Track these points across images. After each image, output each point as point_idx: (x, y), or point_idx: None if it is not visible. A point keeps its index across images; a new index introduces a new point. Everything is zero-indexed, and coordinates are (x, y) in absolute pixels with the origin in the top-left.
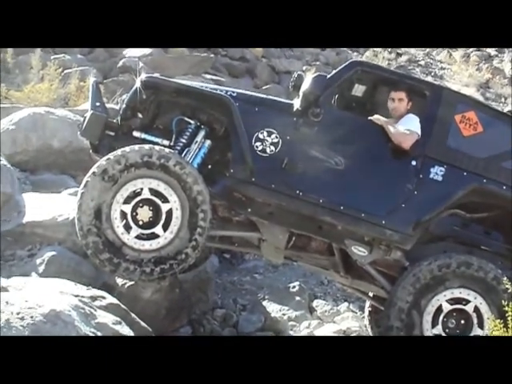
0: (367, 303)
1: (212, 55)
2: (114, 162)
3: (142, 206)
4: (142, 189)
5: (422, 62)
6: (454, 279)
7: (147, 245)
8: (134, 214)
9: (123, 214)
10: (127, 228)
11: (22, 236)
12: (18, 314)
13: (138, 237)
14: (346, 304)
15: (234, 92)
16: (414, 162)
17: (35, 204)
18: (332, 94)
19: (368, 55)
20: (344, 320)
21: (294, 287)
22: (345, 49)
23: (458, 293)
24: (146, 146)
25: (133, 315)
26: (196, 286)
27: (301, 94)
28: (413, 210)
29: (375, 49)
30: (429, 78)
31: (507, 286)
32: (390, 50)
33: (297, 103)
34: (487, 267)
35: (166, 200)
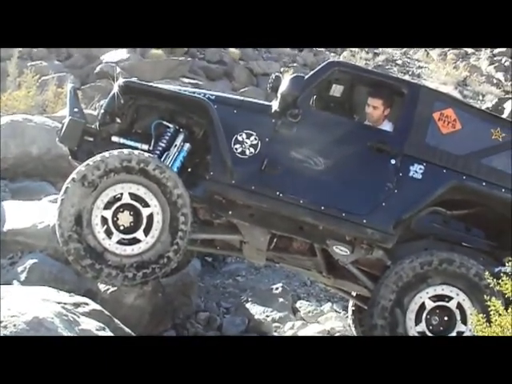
0: (350, 303)
1: (189, 59)
2: (93, 167)
3: (122, 211)
4: (122, 194)
5: (400, 61)
6: (436, 276)
7: (129, 250)
8: (115, 219)
9: (104, 220)
10: (108, 233)
11: (2, 244)
12: (0, 322)
13: (120, 242)
14: (329, 304)
15: (212, 95)
16: (393, 161)
17: (15, 212)
18: (310, 95)
19: (345, 55)
20: (328, 320)
21: (276, 289)
22: (322, 49)
23: (441, 290)
24: (125, 151)
25: (116, 321)
26: (179, 289)
27: (279, 95)
28: (393, 209)
29: (352, 49)
30: (406, 77)
31: (489, 282)
32: (367, 49)
33: (275, 105)
34: (469, 263)
35: (146, 204)
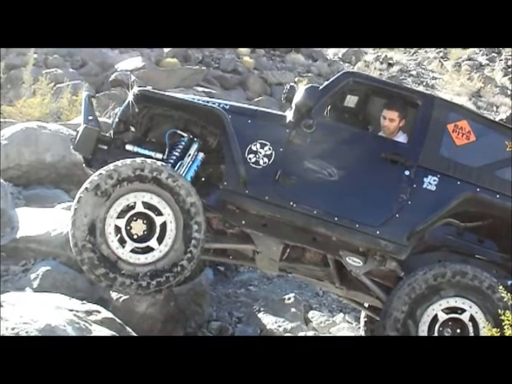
0: (363, 313)
1: (204, 68)
2: (106, 176)
3: (135, 220)
4: (135, 202)
5: (414, 72)
6: (449, 288)
7: (142, 258)
8: (128, 227)
9: (117, 229)
10: (122, 242)
11: (15, 251)
12: (12, 329)
13: (133, 251)
14: (341, 315)
15: (226, 104)
16: (407, 172)
17: (29, 219)
18: (324, 105)
19: (360, 66)
20: (340, 331)
21: (289, 299)
22: (336, 59)
23: (454, 302)
24: (138, 160)
25: (128, 329)
26: (191, 299)
27: (293, 105)
28: (407, 220)
29: (367, 59)
30: (420, 88)
31: (502, 295)
32: (381, 60)
33: (289, 115)
34: (482, 276)
35: (159, 213)
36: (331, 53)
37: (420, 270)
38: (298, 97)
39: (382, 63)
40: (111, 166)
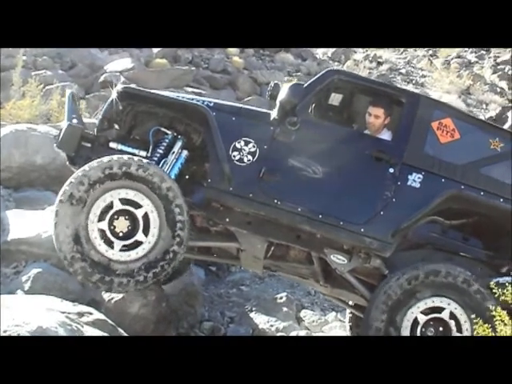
0: (347, 312)
1: (193, 68)
2: (77, 183)
3: (117, 218)
4: (112, 202)
5: (403, 70)
6: (424, 290)
7: (133, 254)
8: (112, 227)
9: (102, 232)
10: (109, 244)
11: (6, 253)
12: (4, 332)
13: (122, 249)
14: (333, 313)
15: (210, 102)
16: (391, 170)
17: (19, 221)
18: (309, 103)
19: (349, 64)
20: (332, 329)
21: (281, 298)
22: (326, 59)
23: (431, 302)
24: (105, 159)
25: (120, 330)
26: (183, 299)
27: (277, 103)
28: (391, 218)
29: (356, 58)
30: (410, 86)
31: (479, 287)
32: (370, 58)
33: (274, 112)
34: (455, 272)
35: (138, 206)
36: (320, 52)
37: (393, 276)
38: (282, 94)
39: (371, 62)
40: (80, 173)
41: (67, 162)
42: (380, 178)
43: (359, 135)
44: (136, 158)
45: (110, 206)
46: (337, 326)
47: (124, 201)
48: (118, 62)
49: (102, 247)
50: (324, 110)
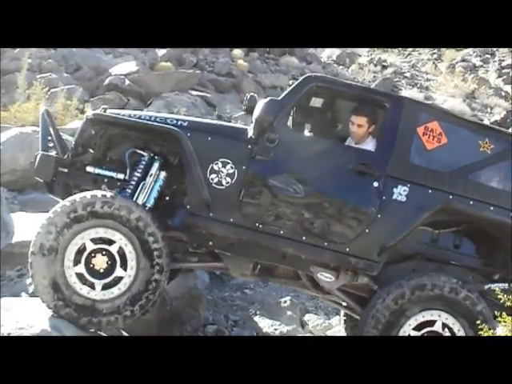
0: (342, 312)
1: (198, 71)
2: (45, 233)
3: (94, 256)
4: (84, 244)
5: (408, 74)
6: (412, 306)
7: (116, 290)
8: (91, 266)
9: (80, 275)
10: (90, 285)
11: (11, 256)
12: (8, 334)
13: (104, 287)
14: (337, 317)
15: (184, 121)
16: (375, 183)
17: (24, 224)
18: (287, 116)
19: (354, 68)
20: (336, 333)
21: (285, 302)
22: (330, 62)
23: (422, 317)
24: (67, 203)
25: (123, 333)
26: (187, 302)
27: (253, 120)
28: (377, 236)
29: (360, 61)
30: (415, 90)
31: (466, 294)
32: (375, 62)
33: (250, 130)
34: (440, 282)
35: (111, 242)
36: (325, 55)
37: (378, 297)
38: (257, 112)
39: (375, 65)
40: (45, 221)
41: (46, 191)
42: (364, 194)
43: (341, 148)
44: (100, 194)
45: (83, 249)
46: (341, 330)
47: (96, 240)
48: (123, 65)
49: (83, 290)
50: (306, 111)
